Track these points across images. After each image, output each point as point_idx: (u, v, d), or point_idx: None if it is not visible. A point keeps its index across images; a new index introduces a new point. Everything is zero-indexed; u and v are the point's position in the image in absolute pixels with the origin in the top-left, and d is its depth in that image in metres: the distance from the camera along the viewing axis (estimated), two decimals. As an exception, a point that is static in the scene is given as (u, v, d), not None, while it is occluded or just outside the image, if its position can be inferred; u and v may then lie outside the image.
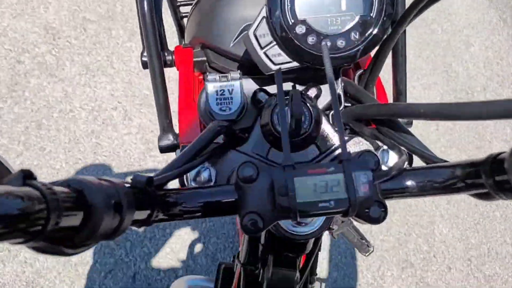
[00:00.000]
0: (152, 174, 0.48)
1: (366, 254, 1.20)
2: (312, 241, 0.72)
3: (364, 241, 1.15)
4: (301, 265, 0.74)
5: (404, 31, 0.68)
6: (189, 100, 0.70)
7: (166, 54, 0.77)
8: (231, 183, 0.51)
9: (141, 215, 0.44)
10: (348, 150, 0.47)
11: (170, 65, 0.78)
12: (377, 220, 0.49)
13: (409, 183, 0.50)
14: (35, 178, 0.32)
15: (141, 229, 1.74)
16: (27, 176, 0.32)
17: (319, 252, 0.89)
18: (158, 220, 0.47)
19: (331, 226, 1.06)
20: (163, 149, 0.70)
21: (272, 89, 0.67)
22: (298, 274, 0.68)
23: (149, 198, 0.45)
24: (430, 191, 0.50)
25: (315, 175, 0.47)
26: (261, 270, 0.73)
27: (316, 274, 0.83)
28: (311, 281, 0.81)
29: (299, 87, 0.66)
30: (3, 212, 0.27)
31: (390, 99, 0.72)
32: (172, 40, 0.97)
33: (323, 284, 0.90)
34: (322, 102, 0.68)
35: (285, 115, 0.48)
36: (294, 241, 0.65)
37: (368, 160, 0.49)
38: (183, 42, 0.84)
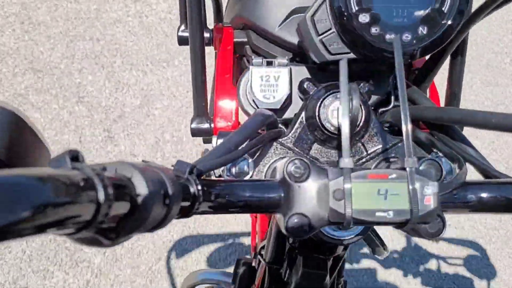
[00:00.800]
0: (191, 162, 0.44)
1: (381, 257, 1.16)
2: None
3: (381, 244, 1.11)
4: (330, 266, 0.71)
5: (466, 38, 0.63)
6: (227, 84, 0.65)
7: (205, 32, 0.72)
8: (273, 178, 0.47)
9: (185, 207, 0.40)
10: (415, 157, 0.43)
11: (208, 44, 0.73)
12: (434, 235, 0.45)
13: (470, 197, 0.46)
14: (82, 160, 0.28)
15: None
16: (74, 158, 0.28)
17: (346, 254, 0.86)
18: (200, 212, 0.43)
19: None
20: (195, 133, 0.65)
21: (320, 80, 0.63)
22: (328, 276, 0.65)
23: (191, 188, 0.41)
24: (493, 207, 0.46)
25: (375, 181, 0.42)
26: (288, 269, 0.69)
27: (343, 276, 0.80)
28: (338, 283, 0.78)
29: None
30: (50, 200, 0.23)
31: (442, 103, 0.67)
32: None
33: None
34: (373, 100, 0.63)
35: (347, 110, 0.44)
36: (327, 243, 0.61)
37: (433, 169, 0.45)
38: (222, 21, 0.79)
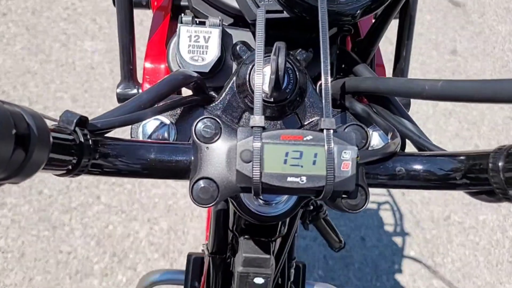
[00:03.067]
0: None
1: (336, 250, 1.12)
2: (286, 222, 0.64)
3: (336, 236, 1.08)
4: (276, 249, 0.67)
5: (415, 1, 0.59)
6: (159, 46, 0.60)
7: None
8: (184, 142, 0.43)
9: (64, 160, 0.35)
10: (332, 118, 0.38)
11: (146, 6, 0.68)
12: (354, 207, 0.40)
13: (399, 169, 0.42)
14: None
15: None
16: None
17: (297, 234, 0.82)
18: (88, 171, 0.38)
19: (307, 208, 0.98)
20: (121, 98, 0.60)
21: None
22: (273, 259, 0.60)
23: (79, 142, 0.36)
24: (423, 182, 0.42)
25: (288, 143, 0.38)
26: (231, 258, 0.65)
27: (295, 258, 0.76)
28: (289, 266, 0.74)
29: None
30: None
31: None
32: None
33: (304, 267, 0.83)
34: (313, 72, 0.59)
35: (261, 64, 0.39)
36: (265, 223, 0.57)
37: (356, 134, 0.41)
38: None
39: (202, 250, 0.84)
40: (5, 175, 0.29)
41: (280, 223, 0.60)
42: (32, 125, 0.30)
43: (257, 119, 0.38)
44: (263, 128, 0.38)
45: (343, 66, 0.59)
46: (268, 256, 0.62)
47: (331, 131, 0.38)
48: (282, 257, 0.68)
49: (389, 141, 0.45)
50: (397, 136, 0.46)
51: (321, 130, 0.38)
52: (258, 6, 0.49)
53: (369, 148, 0.52)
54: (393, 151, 0.42)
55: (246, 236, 0.61)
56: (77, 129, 0.36)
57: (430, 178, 0.42)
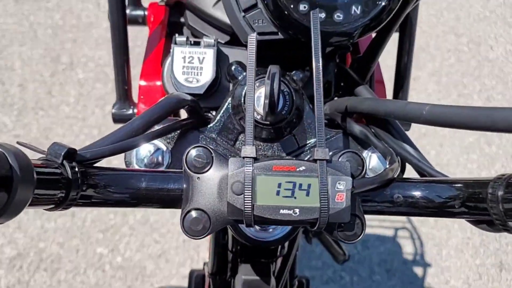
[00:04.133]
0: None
1: (341, 263, 1.11)
2: (286, 243, 0.63)
3: (340, 249, 1.06)
4: (277, 269, 0.66)
5: (415, 11, 0.58)
6: (155, 64, 0.59)
7: (138, 10, 0.66)
8: (178, 170, 0.42)
9: (51, 195, 0.34)
10: (327, 148, 0.37)
11: (143, 23, 0.67)
12: (350, 238, 0.39)
13: (397, 196, 0.41)
14: None
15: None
16: None
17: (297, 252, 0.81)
18: (77, 204, 0.37)
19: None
20: (116, 118, 0.59)
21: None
22: (273, 280, 0.59)
23: (66, 175, 0.35)
24: (421, 210, 0.41)
25: (281, 173, 0.37)
26: (231, 279, 0.64)
27: (297, 276, 0.75)
28: (292, 284, 0.72)
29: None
30: None
31: (390, 96, 0.62)
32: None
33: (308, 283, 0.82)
34: (311, 91, 0.57)
35: (253, 89, 0.38)
36: (263, 247, 0.56)
37: (351, 162, 0.39)
38: None
39: (203, 268, 0.83)
40: None
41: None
42: (14, 166, 0.29)
43: (248, 150, 0.37)
44: (255, 159, 0.37)
45: (342, 84, 0.58)
46: (267, 278, 0.61)
47: (324, 161, 0.37)
48: (283, 277, 0.67)
49: (387, 166, 0.44)
50: (395, 161, 0.44)
51: (315, 160, 0.37)
52: (251, 28, 0.48)
53: (367, 173, 0.51)
54: (391, 178, 0.41)
55: (245, 258, 0.61)
56: (64, 162, 0.35)
57: (428, 205, 0.40)
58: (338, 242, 1.04)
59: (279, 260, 0.65)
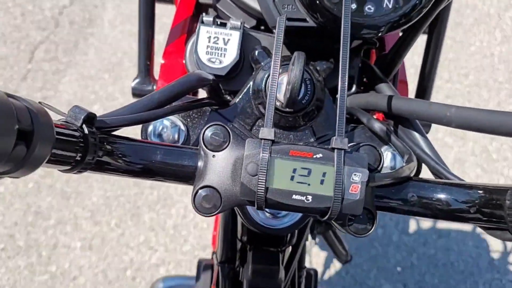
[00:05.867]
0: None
1: (343, 263, 1.11)
2: (296, 232, 0.63)
3: (343, 249, 1.06)
4: (286, 259, 0.65)
5: (447, 12, 0.56)
6: (179, 43, 0.59)
7: None
8: (194, 147, 0.42)
9: (67, 157, 0.34)
10: (345, 138, 0.37)
11: (170, 1, 0.67)
12: (361, 232, 0.39)
13: (411, 195, 0.40)
14: None
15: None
16: None
17: (307, 242, 0.80)
18: (92, 168, 0.37)
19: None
20: (136, 93, 0.60)
21: None
22: (282, 269, 0.59)
23: (84, 139, 0.35)
24: (435, 211, 0.40)
25: (297, 159, 0.36)
26: (240, 267, 0.64)
27: (305, 267, 0.75)
28: (300, 275, 0.72)
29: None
30: None
31: (412, 95, 0.61)
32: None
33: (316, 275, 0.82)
34: (333, 83, 0.57)
35: (277, 73, 0.38)
36: (272, 235, 0.56)
37: (368, 155, 0.39)
38: None
39: (212, 257, 0.83)
40: (5, 169, 0.29)
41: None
42: (36, 121, 0.29)
43: (266, 132, 0.37)
44: (273, 142, 0.37)
45: (364, 80, 0.57)
46: (276, 267, 0.61)
47: (342, 151, 0.36)
48: (292, 267, 0.67)
49: (404, 164, 0.44)
50: (413, 160, 0.44)
51: (333, 149, 0.37)
52: (280, 13, 0.47)
53: (382, 170, 0.50)
54: (407, 175, 0.41)
55: (254, 247, 0.60)
56: (83, 126, 0.36)
57: (443, 208, 0.40)
58: (341, 241, 1.04)
59: (288, 250, 0.65)
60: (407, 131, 0.49)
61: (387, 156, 0.51)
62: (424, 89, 0.59)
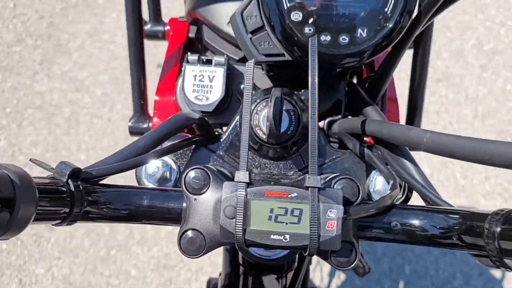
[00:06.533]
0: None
1: (360, 275, 1.10)
2: (296, 257, 0.64)
3: (360, 261, 1.05)
4: (288, 284, 0.66)
5: (430, 29, 0.56)
6: (171, 80, 0.61)
7: (158, 25, 0.69)
8: (180, 188, 0.43)
9: (54, 212, 0.37)
10: (319, 174, 0.38)
11: (163, 38, 0.69)
12: (344, 265, 0.39)
13: (394, 224, 0.40)
14: None
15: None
16: None
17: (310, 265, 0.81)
18: (85, 218, 0.40)
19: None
20: (133, 131, 0.62)
21: (264, 83, 0.58)
22: None
23: (70, 193, 0.38)
24: (418, 239, 0.40)
25: (274, 199, 0.37)
26: None
27: None
28: None
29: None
30: None
31: (403, 113, 0.61)
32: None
33: None
34: (320, 110, 0.58)
35: (249, 115, 0.39)
36: (266, 264, 0.57)
37: (346, 189, 0.40)
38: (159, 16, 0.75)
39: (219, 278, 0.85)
40: None
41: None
42: (17, 186, 0.31)
43: (242, 175, 0.38)
44: (248, 184, 0.38)
45: (352, 103, 0.58)
46: None
47: (316, 189, 0.37)
48: None
49: (388, 191, 0.44)
50: (397, 187, 0.44)
51: (307, 188, 0.38)
52: (258, 50, 0.48)
53: (372, 196, 0.50)
54: (389, 205, 0.41)
55: (255, 272, 0.61)
56: (69, 181, 0.38)
57: (426, 235, 0.40)
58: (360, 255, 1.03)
59: (290, 274, 0.66)
60: (395, 156, 0.49)
61: (377, 181, 0.51)
62: (415, 106, 0.59)
